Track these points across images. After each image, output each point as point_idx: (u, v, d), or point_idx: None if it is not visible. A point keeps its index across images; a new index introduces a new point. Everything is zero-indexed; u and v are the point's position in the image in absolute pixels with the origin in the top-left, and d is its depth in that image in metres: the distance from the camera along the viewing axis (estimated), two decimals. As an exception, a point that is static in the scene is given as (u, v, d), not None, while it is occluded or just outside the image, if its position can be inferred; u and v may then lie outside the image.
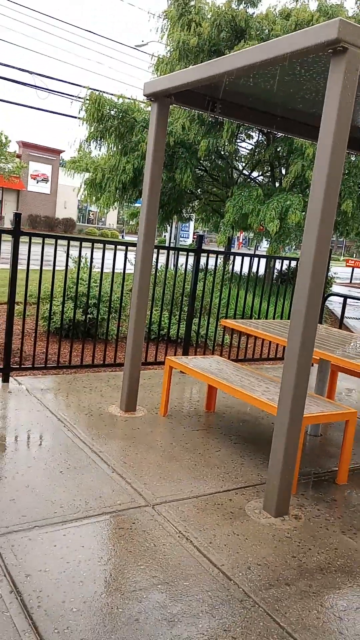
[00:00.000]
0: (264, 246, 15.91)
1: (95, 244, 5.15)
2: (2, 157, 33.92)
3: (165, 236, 22.13)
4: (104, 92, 10.05)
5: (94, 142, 10.67)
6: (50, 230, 37.84)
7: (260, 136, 11.33)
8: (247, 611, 2.12)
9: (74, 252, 5.42)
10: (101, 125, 10.48)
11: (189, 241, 29.44)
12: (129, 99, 10.56)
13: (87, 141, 10.69)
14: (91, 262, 5.43)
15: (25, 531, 2.49)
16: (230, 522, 2.76)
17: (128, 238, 41.38)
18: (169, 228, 17.61)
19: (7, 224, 37.45)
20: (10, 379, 4.78)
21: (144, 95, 3.98)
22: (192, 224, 29.66)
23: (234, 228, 9.67)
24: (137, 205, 15.02)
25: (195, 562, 2.39)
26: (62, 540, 2.45)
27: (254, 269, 7.10)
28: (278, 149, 10.20)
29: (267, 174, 11.97)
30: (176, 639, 1.92)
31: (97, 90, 10.01)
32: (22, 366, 5.03)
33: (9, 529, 2.49)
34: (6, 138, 34.23)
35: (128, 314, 6.27)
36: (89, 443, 3.57)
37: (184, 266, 7.55)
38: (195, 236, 6.29)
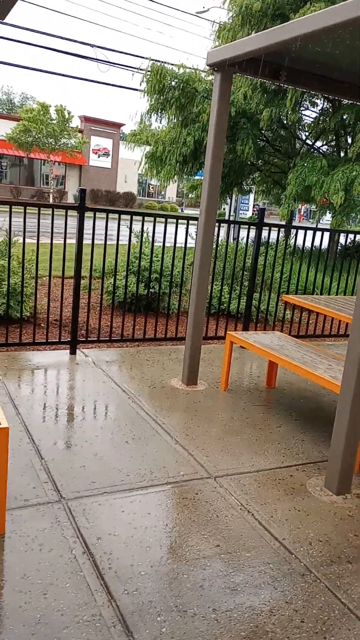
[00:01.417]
0: (327, 219, 15.42)
1: (157, 218, 5.20)
2: (65, 132, 34.34)
3: (224, 209, 21.87)
4: (165, 62, 9.94)
5: (155, 114, 10.62)
6: (111, 205, 38.25)
7: (325, 104, 10.88)
8: (309, 585, 2.16)
9: (136, 227, 5.48)
10: (162, 97, 10.40)
11: (249, 214, 28.98)
12: (189, 68, 10.39)
13: (147, 113, 10.65)
14: (153, 237, 5.48)
15: (95, 496, 2.63)
16: (291, 498, 2.79)
17: (187, 211, 41.21)
18: (228, 201, 17.38)
19: (70, 199, 38.16)
20: (77, 351, 4.96)
21: (207, 65, 3.91)
22: (252, 196, 29.13)
23: (296, 200, 9.43)
24: (197, 177, 14.89)
25: (257, 534, 2.44)
26: (129, 506, 2.57)
27: (317, 243, 6.92)
28: (344, 117, 9.78)
29: (332, 144, 11.51)
30: (239, 607, 1.99)
31: (159, 61, 9.91)
32: (88, 339, 5.21)
33: (80, 494, 2.63)
34: (69, 113, 34.60)
35: (188, 289, 6.32)
36: (153, 415, 3.67)
37: (244, 240, 7.47)
38: (256, 209, 6.18)
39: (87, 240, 4.94)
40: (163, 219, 5.22)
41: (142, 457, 3.07)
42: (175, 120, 10.65)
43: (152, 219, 5.19)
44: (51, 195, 35.71)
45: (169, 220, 5.26)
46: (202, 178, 14.13)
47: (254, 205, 31.77)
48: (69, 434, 3.30)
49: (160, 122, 11.02)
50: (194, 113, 10.45)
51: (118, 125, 41.51)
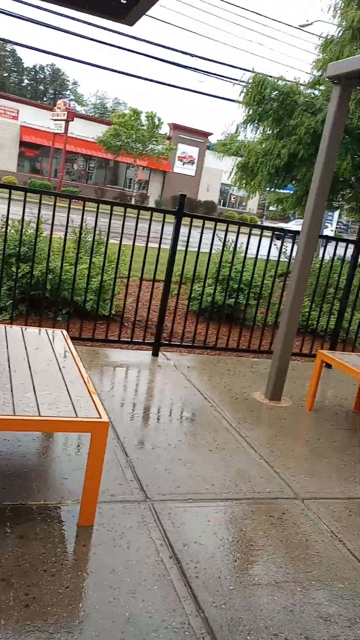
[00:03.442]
0: None
1: (252, 229, 5.15)
2: (153, 138, 35.08)
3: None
4: (266, 75, 9.89)
5: (251, 125, 10.59)
6: (191, 212, 38.63)
7: None
8: None
9: (231, 237, 5.47)
10: (260, 108, 10.35)
11: (328, 230, 28.25)
12: (290, 81, 10.28)
13: (244, 124, 10.63)
14: (244, 248, 5.43)
15: (180, 502, 2.60)
16: (383, 532, 2.64)
17: (266, 223, 40.83)
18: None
19: (152, 203, 38.83)
20: (159, 353, 4.99)
21: (327, 78, 3.83)
22: (336, 213, 28.40)
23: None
24: (284, 191, 14.69)
25: (350, 566, 2.32)
26: (214, 516, 2.53)
27: None
28: None
29: None
30: (333, 639, 1.89)
31: (261, 74, 9.88)
32: (171, 342, 5.23)
33: (166, 497, 2.62)
34: (159, 120, 35.34)
35: (273, 301, 6.20)
36: (236, 426, 3.61)
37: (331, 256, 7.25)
38: (339, 226, 5.96)
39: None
40: (257, 230, 5.17)
41: (226, 467, 3.02)
42: (270, 132, 10.56)
43: (246, 229, 5.15)
44: (133, 199, 36.54)
45: (254, 231, 5.19)
46: (289, 192, 13.86)
47: (337, 222, 31.02)
48: (153, 435, 3.30)
49: (256, 133, 10.96)
50: (290, 125, 10.32)
51: (206, 134, 41.89)
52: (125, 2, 2.25)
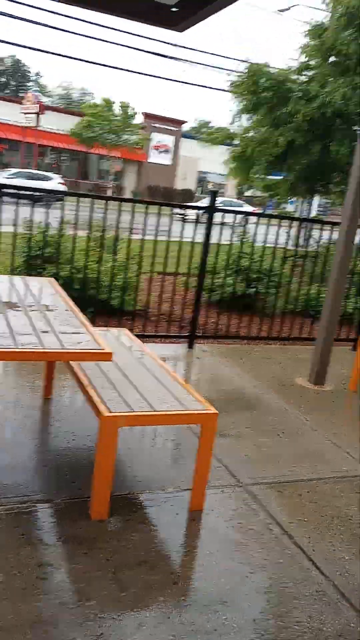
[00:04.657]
0: None
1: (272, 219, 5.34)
2: (127, 129, 34.86)
3: (289, 208, 21.84)
4: (260, 64, 10.02)
5: (246, 115, 10.73)
6: (169, 200, 38.56)
7: None
8: None
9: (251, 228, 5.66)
10: (254, 98, 10.48)
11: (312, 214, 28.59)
12: (283, 69, 10.44)
13: (239, 114, 10.77)
14: (262, 239, 5.60)
15: (270, 484, 2.78)
16: None
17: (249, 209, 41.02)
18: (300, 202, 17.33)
19: (128, 194, 38.65)
20: (194, 345, 5.15)
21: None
22: (317, 198, 28.75)
23: None
24: (272, 177, 14.86)
25: None
26: (307, 496, 2.72)
27: None
28: None
29: None
30: None
31: (256, 64, 10.00)
32: (204, 334, 5.39)
33: (256, 481, 2.80)
34: (133, 110, 35.13)
35: (288, 290, 6.38)
36: (293, 411, 3.81)
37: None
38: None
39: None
40: (276, 220, 5.36)
41: (300, 450, 3.21)
42: (265, 121, 10.71)
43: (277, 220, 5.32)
44: (110, 190, 36.37)
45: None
46: (279, 178, 13.91)
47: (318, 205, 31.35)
48: (222, 423, 3.46)
49: (251, 123, 11.11)
50: (285, 114, 10.47)
51: (180, 123, 41.78)
52: (176, 10, 2.34)
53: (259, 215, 5.35)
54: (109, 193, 35.24)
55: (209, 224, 4.94)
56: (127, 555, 2.12)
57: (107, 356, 2.20)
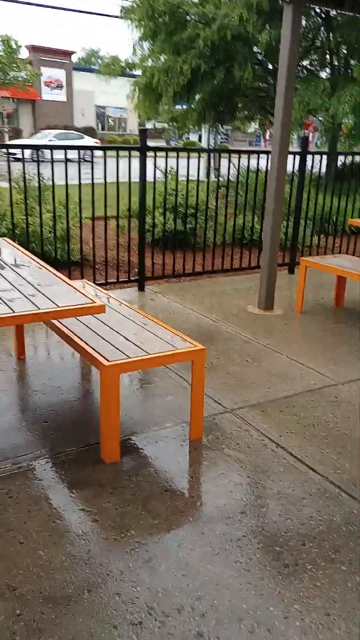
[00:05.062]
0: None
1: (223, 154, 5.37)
2: (13, 65, 32.27)
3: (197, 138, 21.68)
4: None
5: (147, 42, 10.34)
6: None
7: (316, 18, 10.64)
8: None
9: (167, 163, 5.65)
10: (152, 23, 10.09)
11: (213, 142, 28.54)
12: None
13: (140, 41, 10.35)
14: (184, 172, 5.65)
15: (253, 407, 3.04)
16: None
17: (151, 143, 40.09)
18: (205, 131, 17.26)
19: (26, 137, 36.41)
20: (146, 287, 5.24)
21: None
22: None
23: (301, 126, 9.56)
24: (178, 107, 14.59)
25: None
26: (288, 411, 3.00)
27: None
28: (343, 36, 9.73)
29: (334, 64, 11.19)
30: None
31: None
32: (153, 276, 5.46)
33: (240, 405, 3.04)
34: (16, 43, 32.40)
35: (220, 222, 6.52)
36: (252, 337, 4.06)
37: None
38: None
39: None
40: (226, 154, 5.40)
41: (269, 372, 3.48)
42: (166, 47, 10.39)
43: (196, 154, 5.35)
44: (6, 135, 34.07)
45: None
46: (184, 108, 13.71)
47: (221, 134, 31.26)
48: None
49: (151, 51, 10.73)
50: (184, 39, 10.20)
51: (69, 54, 39.27)
52: None
53: (186, 150, 5.34)
54: (6, 138, 33.00)
55: (143, 164, 4.91)
56: (148, 487, 2.29)
57: (100, 309, 2.26)
